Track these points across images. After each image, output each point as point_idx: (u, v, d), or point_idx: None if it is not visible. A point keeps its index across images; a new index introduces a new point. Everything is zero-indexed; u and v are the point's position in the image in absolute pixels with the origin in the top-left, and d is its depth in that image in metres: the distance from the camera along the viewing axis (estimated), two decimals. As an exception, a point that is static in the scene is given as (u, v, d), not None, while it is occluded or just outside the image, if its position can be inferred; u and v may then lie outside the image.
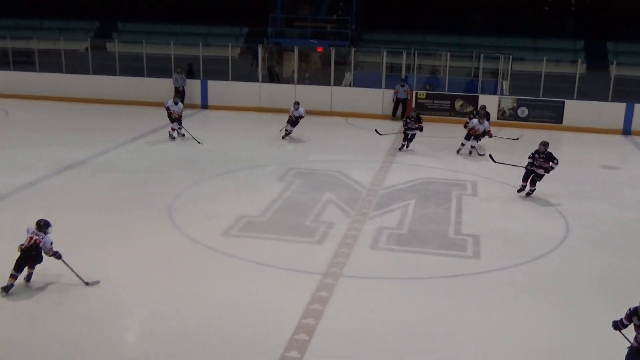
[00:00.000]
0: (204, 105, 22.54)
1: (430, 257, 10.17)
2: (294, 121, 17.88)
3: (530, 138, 18.71)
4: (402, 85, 21.39)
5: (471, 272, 9.67)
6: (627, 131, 20.28)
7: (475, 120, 16.60)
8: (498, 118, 21.13)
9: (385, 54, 22.35)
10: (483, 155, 16.20)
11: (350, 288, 8.97)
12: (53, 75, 23.67)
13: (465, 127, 16.83)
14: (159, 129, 18.17)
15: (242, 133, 19.00)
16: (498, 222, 11.80)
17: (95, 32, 27.35)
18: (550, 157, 12.94)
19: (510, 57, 21.98)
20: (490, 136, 17.02)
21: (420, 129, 17.09)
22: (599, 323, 8.15)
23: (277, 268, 9.52)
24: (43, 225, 8.68)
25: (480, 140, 16.99)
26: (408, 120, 17.10)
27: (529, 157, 13.17)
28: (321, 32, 24.30)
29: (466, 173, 15.13)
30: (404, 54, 22.11)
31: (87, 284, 8.56)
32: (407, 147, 17.23)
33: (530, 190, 13.22)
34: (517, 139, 17.94)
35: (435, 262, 10.00)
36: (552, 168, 12.95)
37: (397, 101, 21.57)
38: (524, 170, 13.14)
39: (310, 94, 22.41)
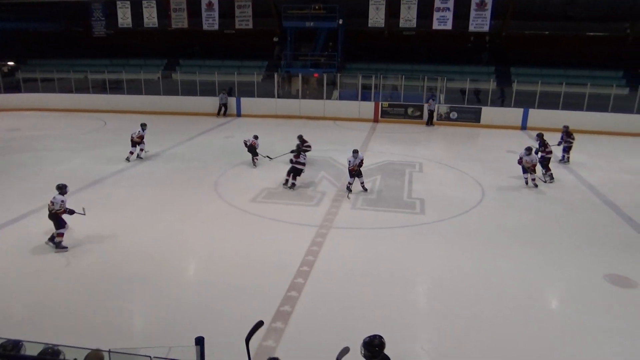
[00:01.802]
0: (239, 114, 22.38)
1: (391, 214, 10.13)
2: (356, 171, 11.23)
3: (458, 132, 18.63)
4: (434, 100, 20.76)
5: (419, 223, 9.68)
6: (524, 127, 20.21)
7: (523, 152, 11.99)
8: (436, 119, 21.02)
9: (360, 77, 22.16)
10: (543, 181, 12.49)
11: (337, 235, 8.97)
12: (136, 97, 23.46)
13: (520, 163, 12.07)
14: (207, 131, 18.04)
15: (264, 132, 18.82)
16: (437, 190, 11.75)
17: (164, 66, 27.02)
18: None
19: (445, 78, 21.86)
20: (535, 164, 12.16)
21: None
22: (506, 255, 8.22)
23: (288, 223, 9.52)
24: (60, 188, 8.33)
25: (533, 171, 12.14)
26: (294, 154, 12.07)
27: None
28: (317, 63, 24.08)
29: (415, 157, 15.01)
30: (373, 77, 21.92)
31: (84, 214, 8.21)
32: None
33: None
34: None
35: (394, 217, 9.97)
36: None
37: (430, 113, 20.77)
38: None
39: (310, 105, 22.45)
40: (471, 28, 21.77)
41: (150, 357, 3.30)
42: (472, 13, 21.53)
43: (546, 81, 20.87)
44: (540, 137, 13.25)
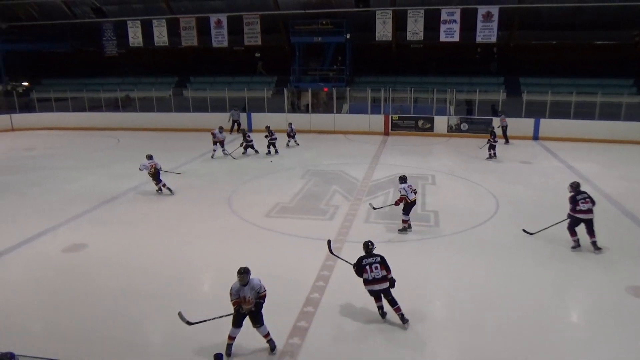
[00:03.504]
0: (250, 130, 22.43)
1: (405, 227, 10.02)
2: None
3: (469, 143, 18.55)
4: (501, 116, 19.56)
5: (434, 236, 9.58)
6: (535, 137, 20.07)
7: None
8: (448, 131, 20.94)
9: (369, 91, 22.20)
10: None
11: (352, 249, 8.80)
12: (148, 114, 23.74)
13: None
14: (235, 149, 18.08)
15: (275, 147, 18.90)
16: (450, 202, 11.64)
17: (175, 83, 27.37)
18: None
19: (454, 89, 21.84)
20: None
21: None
22: (522, 268, 8.08)
23: (302, 237, 9.47)
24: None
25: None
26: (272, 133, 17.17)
27: None
28: (326, 77, 24.22)
29: (427, 169, 14.95)
30: (382, 90, 21.95)
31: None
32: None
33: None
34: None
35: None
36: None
37: (503, 129, 19.27)
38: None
39: (320, 119, 22.49)
40: (478, 39, 21.82)
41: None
42: (479, 24, 21.59)
43: (556, 90, 20.77)
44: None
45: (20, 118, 23.80)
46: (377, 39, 23.01)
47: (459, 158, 16.59)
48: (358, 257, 6.49)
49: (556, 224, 8.99)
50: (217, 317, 5.64)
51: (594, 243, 8.56)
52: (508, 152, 17.57)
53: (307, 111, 23.12)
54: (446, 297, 7.25)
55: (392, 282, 6.35)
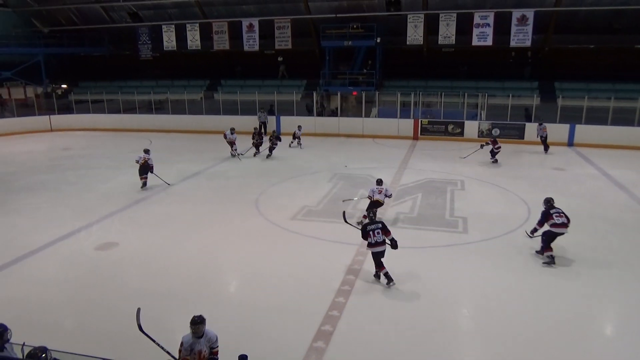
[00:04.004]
0: (279, 132, 22.42)
1: (433, 233, 9.91)
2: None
3: (503, 149, 18.23)
4: (542, 125, 18.26)
5: (462, 243, 9.41)
6: (570, 143, 19.52)
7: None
8: (478, 136, 20.56)
9: (399, 95, 22.02)
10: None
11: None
12: (180, 117, 24.18)
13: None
14: (247, 149, 18.27)
15: (303, 150, 18.97)
16: (480, 208, 11.42)
17: (206, 87, 27.84)
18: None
19: (486, 94, 21.47)
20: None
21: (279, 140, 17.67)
22: (553, 275, 7.84)
23: (329, 241, 9.45)
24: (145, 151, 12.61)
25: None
26: (272, 139, 17.52)
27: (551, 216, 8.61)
28: (355, 81, 24.18)
29: (457, 175, 14.71)
30: (412, 95, 21.76)
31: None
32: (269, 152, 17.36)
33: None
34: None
35: (436, 236, 9.73)
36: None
37: (543, 139, 18.21)
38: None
39: (349, 123, 22.47)
40: (512, 43, 21.40)
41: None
42: (513, 28, 21.17)
43: (593, 96, 20.14)
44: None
45: (58, 119, 24.64)
46: (408, 42, 22.86)
47: (490, 164, 16.27)
48: (363, 224, 7.97)
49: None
50: (163, 348, 4.99)
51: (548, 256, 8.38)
52: (541, 159, 17.13)
53: (336, 115, 23.13)
54: (474, 305, 7.11)
55: (394, 243, 7.62)
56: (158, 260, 8.63)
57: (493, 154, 16.28)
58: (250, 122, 21.91)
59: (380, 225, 7.62)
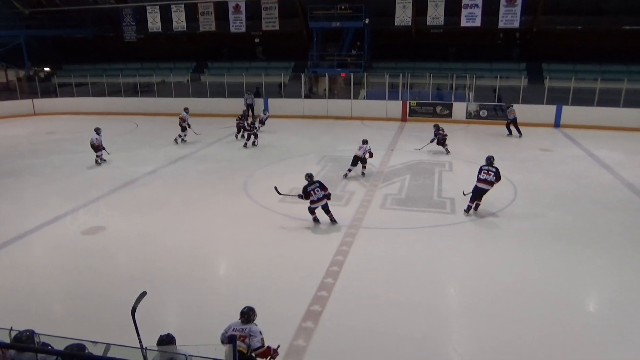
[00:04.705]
0: (267, 114, 22.47)
1: (421, 213, 9.99)
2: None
3: (488, 130, 18.30)
4: (508, 108, 18.18)
5: (449, 223, 9.51)
6: (557, 124, 19.68)
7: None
8: (466, 118, 20.66)
9: (387, 76, 21.94)
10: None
11: (367, 235, 8.89)
12: (169, 99, 23.84)
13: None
14: (235, 132, 18.14)
15: (291, 133, 18.90)
16: (467, 189, 11.46)
17: (193, 69, 27.49)
18: (497, 174, 9.69)
19: (474, 75, 21.49)
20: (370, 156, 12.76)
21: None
22: (540, 256, 7.98)
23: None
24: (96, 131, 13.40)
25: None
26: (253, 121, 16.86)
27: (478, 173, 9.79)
28: (344, 63, 24.02)
29: (444, 156, 14.79)
30: (401, 76, 21.69)
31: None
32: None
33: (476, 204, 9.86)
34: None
35: (424, 216, 9.81)
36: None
37: (512, 121, 17.92)
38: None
39: (337, 105, 22.39)
40: (501, 24, 21.36)
41: (185, 355, 3.31)
42: (502, 9, 21.12)
43: (580, 77, 20.27)
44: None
45: (42, 103, 24.20)
46: (396, 24, 22.69)
47: (477, 145, 16.36)
48: (303, 186, 9.01)
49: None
50: (140, 340, 4.25)
51: (476, 206, 9.78)
52: (528, 140, 17.26)
53: (324, 97, 23.01)
54: (460, 284, 7.21)
55: (329, 196, 9.12)
56: (146, 244, 8.60)
57: (442, 142, 15.10)
58: (238, 105, 21.75)
59: (317, 184, 9.01)
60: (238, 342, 4.57)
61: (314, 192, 8.96)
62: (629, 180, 12.09)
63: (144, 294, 4.46)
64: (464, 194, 10.06)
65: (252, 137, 16.37)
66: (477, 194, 9.72)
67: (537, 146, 16.16)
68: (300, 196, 9.10)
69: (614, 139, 17.14)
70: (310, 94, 23.92)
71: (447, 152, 15.02)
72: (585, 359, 5.45)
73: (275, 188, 9.76)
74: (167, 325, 6.28)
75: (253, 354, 4.59)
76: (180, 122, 16.68)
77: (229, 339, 4.40)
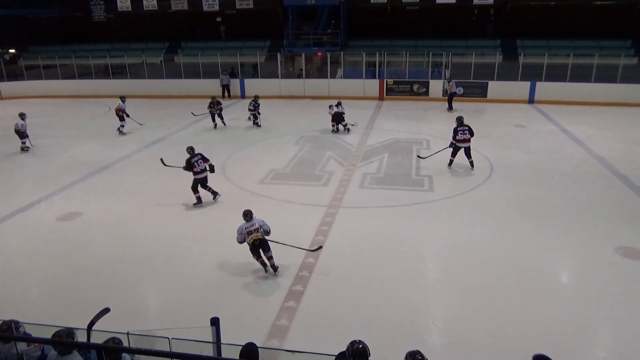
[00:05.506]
0: (243, 96, 22.17)
1: (399, 192, 10.10)
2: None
3: (465, 107, 18.47)
4: (451, 82, 18.80)
5: (428, 200, 9.65)
6: (531, 101, 19.95)
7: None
8: (443, 95, 20.77)
9: (364, 55, 21.83)
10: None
11: (347, 214, 8.97)
12: (139, 81, 23.27)
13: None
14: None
15: (268, 114, 18.73)
16: (445, 166, 11.66)
17: (166, 49, 26.88)
18: (470, 130, 11.19)
19: (450, 53, 21.55)
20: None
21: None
22: (517, 230, 8.19)
23: (297, 203, 9.53)
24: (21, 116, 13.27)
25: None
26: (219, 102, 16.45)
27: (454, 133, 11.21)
28: (320, 42, 23.82)
29: (422, 134, 14.91)
30: (377, 55, 21.62)
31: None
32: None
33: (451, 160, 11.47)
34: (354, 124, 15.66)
35: (403, 194, 9.93)
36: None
37: (450, 95, 18.57)
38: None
39: (314, 85, 22.16)
40: (475, 1, 21.41)
41: (168, 338, 3.33)
42: (477, -15, 21.16)
43: (553, 53, 20.51)
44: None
45: (8, 86, 23.38)
46: (372, 1, 22.55)
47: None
48: (186, 159, 9.36)
49: (441, 150, 11.68)
50: (89, 337, 4.09)
51: (471, 163, 11.31)
52: (503, 117, 17.50)
53: (300, 76, 22.82)
54: (439, 259, 7.38)
55: (212, 168, 9.56)
56: (124, 228, 8.52)
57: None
58: (213, 86, 21.41)
59: (200, 156, 9.44)
60: (254, 234, 6.66)
61: (197, 164, 9.35)
62: (599, 154, 12.42)
63: (106, 310, 4.41)
64: (420, 157, 11.85)
65: (253, 117, 16.35)
66: (458, 151, 11.25)
67: (512, 122, 16.41)
68: (184, 168, 9.47)
69: (586, 114, 17.52)
70: (288, 74, 23.70)
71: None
72: (560, 325, 5.67)
73: (162, 160, 10.32)
74: (146, 310, 6.30)
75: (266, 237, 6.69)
76: (117, 112, 15.56)
77: (211, 321, 4.42)
